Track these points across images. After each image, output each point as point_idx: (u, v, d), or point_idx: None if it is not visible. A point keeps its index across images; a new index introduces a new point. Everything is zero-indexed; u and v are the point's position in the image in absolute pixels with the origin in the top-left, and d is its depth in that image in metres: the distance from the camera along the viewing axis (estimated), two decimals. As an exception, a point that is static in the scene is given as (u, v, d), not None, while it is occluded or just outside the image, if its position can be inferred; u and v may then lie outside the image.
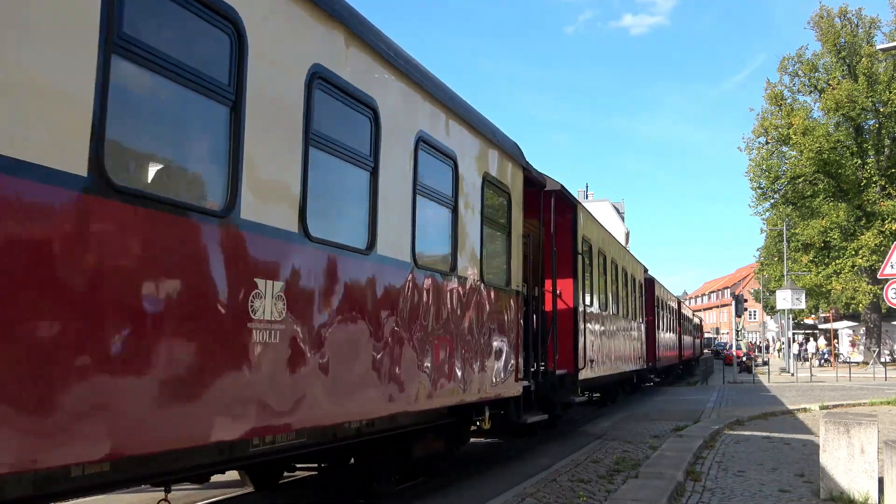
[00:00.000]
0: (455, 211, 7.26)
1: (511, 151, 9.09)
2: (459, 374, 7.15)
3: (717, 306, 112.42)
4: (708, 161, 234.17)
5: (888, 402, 18.55)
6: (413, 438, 7.37)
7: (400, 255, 6.09)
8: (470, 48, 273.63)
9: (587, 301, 13.47)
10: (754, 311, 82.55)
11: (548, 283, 11.41)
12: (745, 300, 48.97)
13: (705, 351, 54.64)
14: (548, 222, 11.19)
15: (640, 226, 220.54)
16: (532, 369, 10.00)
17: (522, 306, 9.33)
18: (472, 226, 7.69)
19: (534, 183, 10.28)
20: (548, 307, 11.29)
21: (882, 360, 39.09)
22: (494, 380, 8.10)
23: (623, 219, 75.16)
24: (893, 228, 39.18)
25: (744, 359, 38.89)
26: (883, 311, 42.71)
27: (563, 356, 11.69)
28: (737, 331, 46.92)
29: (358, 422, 5.91)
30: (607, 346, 15.43)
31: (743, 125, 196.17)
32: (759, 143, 45.13)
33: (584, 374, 12.70)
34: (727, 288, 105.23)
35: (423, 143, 6.56)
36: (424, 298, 6.46)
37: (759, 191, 46.32)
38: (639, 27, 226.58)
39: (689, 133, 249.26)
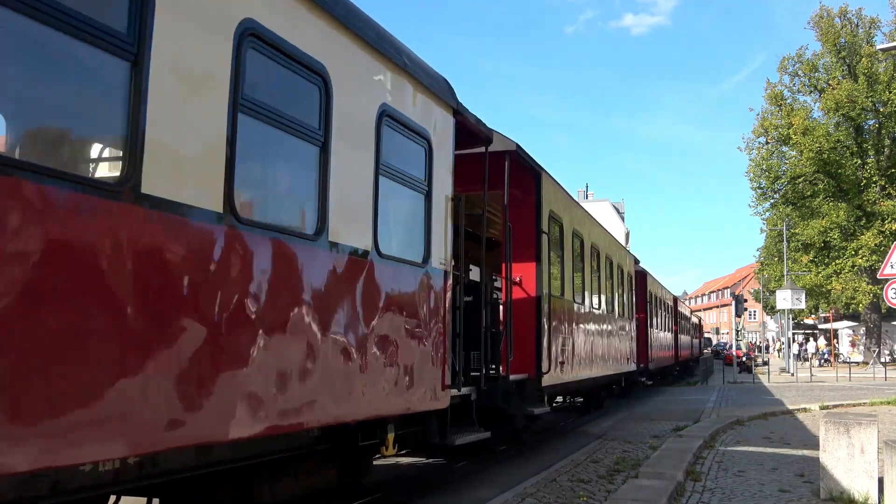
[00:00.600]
0: (326, 149, 5.07)
1: (432, 85, 6.80)
2: (330, 382, 5.03)
3: (717, 306, 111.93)
4: (708, 161, 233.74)
5: (888, 402, 17.89)
6: (261, 474, 5.25)
7: (198, 201, 3.89)
8: (470, 48, 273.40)
9: (556, 291, 11.08)
10: (754, 311, 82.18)
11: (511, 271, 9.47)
12: (745, 300, 48.67)
13: (705, 351, 54.55)
14: (496, 191, 8.95)
15: (640, 226, 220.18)
16: (476, 374, 8.07)
17: (452, 293, 7.25)
18: (357, 175, 5.53)
19: (475, 136, 7.98)
20: (513, 297, 9.46)
21: (882, 360, 38.48)
22: (401, 389, 6.06)
23: (623, 219, 74.92)
24: (893, 228, 38.45)
25: (744, 359, 38.66)
26: (883, 311, 41.96)
27: (523, 357, 9.61)
28: (737, 331, 46.74)
29: (120, 461, 3.84)
30: (585, 345, 12.92)
31: (743, 125, 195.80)
32: (759, 143, 44.27)
33: (549, 379, 10.32)
34: (727, 288, 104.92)
35: (256, 39, 4.36)
36: (257, 271, 4.36)
37: (759, 191, 45.58)
38: (639, 27, 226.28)
39: (689, 133, 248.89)
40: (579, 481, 8.19)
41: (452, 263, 7.26)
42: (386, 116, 5.93)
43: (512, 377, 9.02)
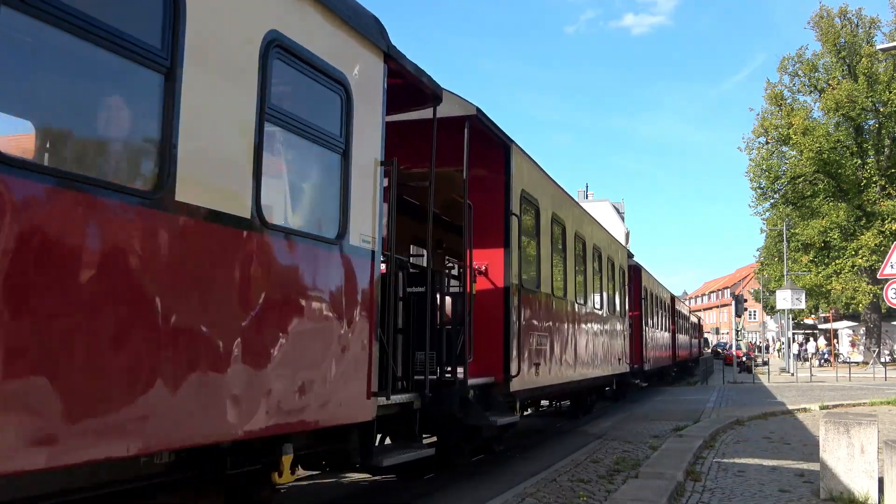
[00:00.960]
0: (173, 78, 3.74)
1: (350, 18, 5.40)
2: (179, 392, 3.73)
3: (717, 306, 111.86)
4: (708, 161, 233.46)
5: (888, 402, 17.83)
6: None
7: None
8: (470, 48, 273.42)
9: (530, 283, 9.71)
10: (754, 311, 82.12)
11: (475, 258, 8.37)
12: (745, 300, 48.71)
13: (705, 350, 54.39)
14: (448, 161, 7.69)
15: (640, 226, 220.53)
16: (421, 377, 6.71)
17: (389, 279, 6.09)
18: (228, 118, 4.20)
19: (419, 93, 6.69)
20: (477, 288, 8.47)
21: (882, 360, 38.39)
22: (301, 399, 4.74)
23: (623, 219, 74.99)
24: (893, 228, 38.41)
25: (744, 359, 38.73)
26: (883, 311, 41.91)
27: (487, 358, 8.47)
28: (737, 331, 46.81)
29: None
30: (568, 344, 11.62)
31: (743, 125, 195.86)
32: (759, 143, 44.25)
33: (520, 383, 8.94)
34: (727, 288, 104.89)
35: None
36: (41, 236, 3.12)
37: (759, 191, 45.53)
38: (640, 27, 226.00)
39: (689, 133, 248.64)
40: (579, 481, 8.19)
41: (381, 243, 5.90)
42: (277, 48, 4.62)
43: (472, 381, 7.86)
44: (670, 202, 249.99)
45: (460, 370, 7.57)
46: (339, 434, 5.47)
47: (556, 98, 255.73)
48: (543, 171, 10.90)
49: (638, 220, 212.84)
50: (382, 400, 5.75)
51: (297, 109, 4.92)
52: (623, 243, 23.21)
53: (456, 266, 10.85)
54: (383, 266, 6.24)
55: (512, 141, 9.10)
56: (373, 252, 5.67)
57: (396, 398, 6.12)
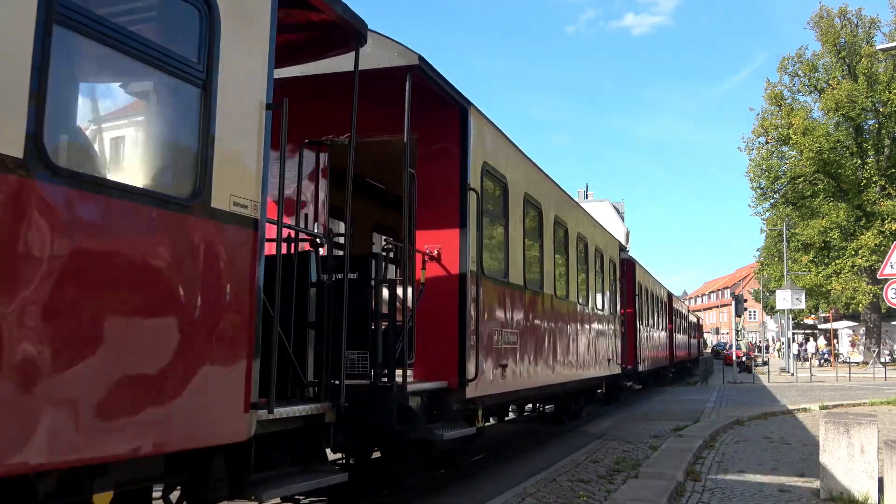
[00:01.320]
0: None
1: None
2: None
3: (717, 306, 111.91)
4: (708, 161, 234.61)
5: (888, 402, 17.77)
6: None
7: None
8: (471, 47, 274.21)
9: (494, 271, 8.38)
10: (754, 311, 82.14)
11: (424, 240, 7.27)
12: (745, 300, 48.74)
13: (705, 350, 54.25)
14: (400, 129, 6.45)
15: (640, 226, 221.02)
16: (350, 382, 5.48)
17: (261, 253, 4.41)
18: None
19: (336, 29, 5.31)
20: (428, 275, 7.31)
21: (882, 360, 38.46)
22: (132, 415, 3.51)
23: (623, 219, 75.06)
24: (893, 228, 38.37)
25: (744, 359, 38.77)
26: (883, 311, 41.88)
27: (438, 359, 7.20)
28: (737, 331, 46.83)
29: None
30: (545, 343, 10.28)
31: (743, 125, 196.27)
32: (759, 143, 44.27)
33: (481, 388, 7.62)
34: (727, 288, 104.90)
35: None
36: None
37: (759, 191, 45.52)
38: (640, 27, 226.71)
39: (689, 133, 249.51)
40: (579, 481, 8.19)
41: (265, 209, 4.54)
42: None
43: (417, 387, 6.69)
44: (670, 202, 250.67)
45: (399, 373, 6.31)
46: (198, 458, 4.17)
47: (556, 98, 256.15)
48: (514, 145, 9.48)
49: (638, 220, 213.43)
50: (264, 414, 4.40)
51: (120, 18, 3.64)
52: (624, 243, 22.60)
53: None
54: (317, 246, 5.40)
55: (470, 103, 7.70)
56: (255, 221, 4.34)
57: (290, 410, 4.75)
